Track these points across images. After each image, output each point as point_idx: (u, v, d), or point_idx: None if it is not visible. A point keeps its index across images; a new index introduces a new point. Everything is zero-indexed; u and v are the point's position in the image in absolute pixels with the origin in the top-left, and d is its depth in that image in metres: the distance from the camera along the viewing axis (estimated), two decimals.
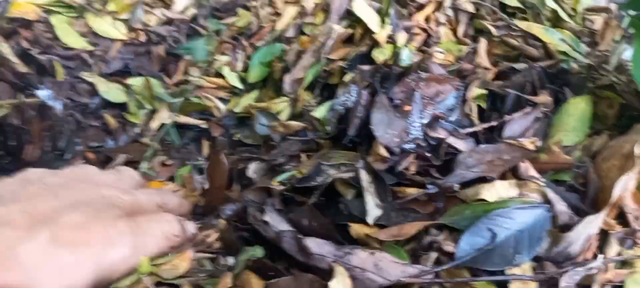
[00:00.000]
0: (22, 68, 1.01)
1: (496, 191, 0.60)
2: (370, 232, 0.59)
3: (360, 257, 0.54)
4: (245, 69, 1.10)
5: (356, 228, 0.60)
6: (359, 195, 0.63)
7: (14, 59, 1.01)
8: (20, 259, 0.43)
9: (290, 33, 1.10)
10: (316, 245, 0.55)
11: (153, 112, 1.02)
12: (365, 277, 0.53)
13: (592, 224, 0.57)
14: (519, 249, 0.56)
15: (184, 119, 1.02)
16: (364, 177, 0.63)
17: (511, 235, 0.57)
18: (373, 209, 0.61)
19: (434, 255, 0.57)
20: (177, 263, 0.56)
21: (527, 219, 0.58)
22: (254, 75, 1.08)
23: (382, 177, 0.63)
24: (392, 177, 0.66)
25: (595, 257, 0.56)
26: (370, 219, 0.60)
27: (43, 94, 0.97)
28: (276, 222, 0.60)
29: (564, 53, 0.82)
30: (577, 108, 0.69)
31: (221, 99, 1.06)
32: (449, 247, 0.57)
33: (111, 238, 0.50)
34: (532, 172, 0.62)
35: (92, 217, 0.50)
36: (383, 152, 0.67)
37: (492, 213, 0.58)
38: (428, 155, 0.66)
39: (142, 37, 1.16)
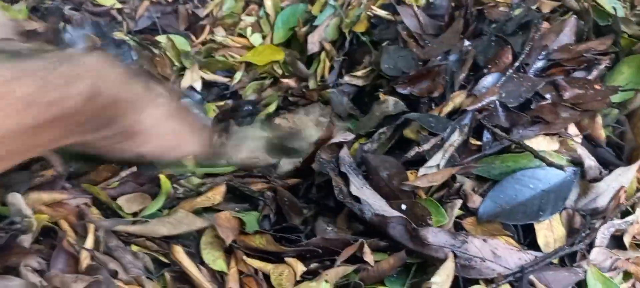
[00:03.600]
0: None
1: (538, 144, 0.60)
2: (412, 180, 0.60)
3: (476, 245, 0.53)
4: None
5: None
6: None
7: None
8: None
9: None
10: (433, 235, 0.54)
11: (181, 69, 1.04)
12: (484, 266, 0.53)
13: (621, 177, 0.58)
14: (544, 207, 0.57)
15: (210, 77, 1.03)
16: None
17: (536, 194, 0.58)
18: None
19: (458, 202, 0.58)
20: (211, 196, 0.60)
21: (553, 180, 0.58)
22: (278, 37, 1.09)
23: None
24: None
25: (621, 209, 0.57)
26: (427, 166, 0.61)
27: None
28: (361, 191, 0.57)
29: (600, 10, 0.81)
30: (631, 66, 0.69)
31: None
32: (473, 201, 0.58)
33: None
34: (571, 129, 0.63)
35: None
36: None
37: (519, 173, 0.58)
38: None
39: None
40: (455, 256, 0.53)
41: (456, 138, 0.61)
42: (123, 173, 0.64)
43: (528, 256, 0.54)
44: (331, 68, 0.96)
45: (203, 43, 1.12)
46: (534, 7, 0.75)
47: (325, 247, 0.55)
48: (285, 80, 1.00)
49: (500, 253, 0.53)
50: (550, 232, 0.56)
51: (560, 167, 0.57)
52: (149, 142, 0.61)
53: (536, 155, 0.58)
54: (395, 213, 0.55)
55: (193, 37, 1.12)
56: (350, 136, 0.65)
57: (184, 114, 0.70)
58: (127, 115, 0.58)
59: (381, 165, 0.60)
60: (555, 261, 0.55)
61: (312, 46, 1.00)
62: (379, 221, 0.55)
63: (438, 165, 0.60)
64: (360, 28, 0.93)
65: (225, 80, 1.05)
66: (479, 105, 0.63)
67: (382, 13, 0.91)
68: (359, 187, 0.58)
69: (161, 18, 1.14)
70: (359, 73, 0.87)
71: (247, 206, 0.64)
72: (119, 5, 1.13)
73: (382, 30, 0.89)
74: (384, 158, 0.61)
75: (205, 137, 0.71)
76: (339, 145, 0.62)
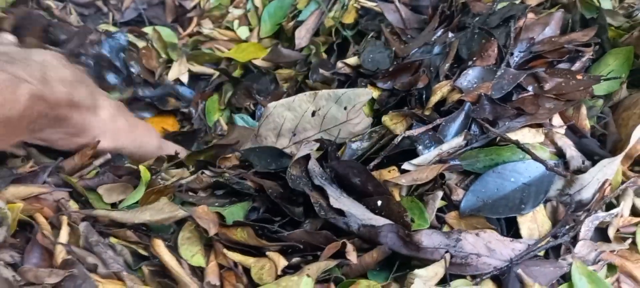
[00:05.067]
0: None
1: (523, 136, 0.60)
2: (390, 178, 0.59)
3: (470, 241, 0.53)
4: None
5: (382, 174, 0.60)
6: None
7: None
8: None
9: None
10: (427, 238, 0.53)
11: (168, 61, 1.03)
12: (480, 262, 0.52)
13: (606, 169, 0.57)
14: (525, 200, 0.56)
15: (198, 68, 1.03)
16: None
17: (518, 188, 0.57)
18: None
19: (439, 194, 0.57)
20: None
21: (534, 173, 0.58)
22: (265, 30, 1.08)
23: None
24: None
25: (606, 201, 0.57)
26: (414, 162, 0.59)
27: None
28: (341, 201, 0.56)
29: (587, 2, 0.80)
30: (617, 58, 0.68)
31: None
32: (457, 194, 0.58)
33: None
34: (555, 120, 0.62)
35: None
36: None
37: (499, 167, 0.58)
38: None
39: None
40: (451, 256, 0.52)
41: (459, 141, 0.60)
42: (96, 162, 0.63)
43: (521, 246, 0.53)
44: None
45: (190, 35, 1.11)
46: (518, 1, 0.74)
47: (307, 242, 0.54)
48: None
49: (494, 246, 0.53)
50: (534, 223, 0.56)
51: (543, 162, 0.56)
52: (104, 137, 0.67)
53: (522, 148, 0.57)
54: (384, 221, 0.54)
55: (180, 29, 1.12)
56: (315, 146, 0.63)
57: (131, 116, 0.77)
58: (74, 115, 0.63)
59: (349, 172, 0.58)
60: (541, 254, 0.54)
61: (300, 41, 0.99)
62: (368, 232, 0.53)
63: (429, 162, 0.59)
64: (348, 19, 0.93)
65: (211, 71, 1.04)
66: (470, 99, 0.62)
67: (369, 4, 0.90)
68: (337, 197, 0.56)
69: (148, 9, 1.13)
70: (350, 61, 0.85)
71: (233, 199, 0.62)
72: None
73: (367, 20, 0.88)
74: (349, 164, 0.60)
75: (158, 138, 0.77)
76: (307, 158, 0.60)
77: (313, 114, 0.70)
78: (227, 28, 1.11)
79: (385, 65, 0.75)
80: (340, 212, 0.55)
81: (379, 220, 0.54)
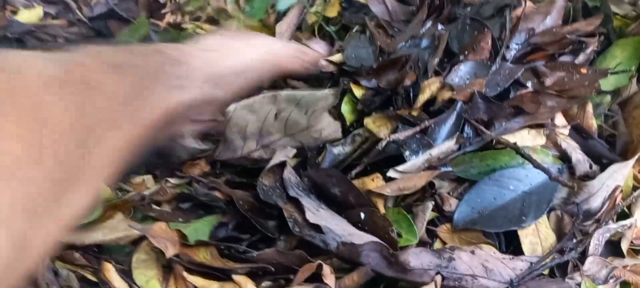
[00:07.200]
0: None
1: (522, 139, 0.53)
2: (374, 187, 0.53)
3: (464, 260, 0.47)
4: None
5: (365, 183, 0.54)
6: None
7: None
8: None
9: None
10: (415, 258, 0.47)
11: None
12: (477, 284, 0.46)
13: (617, 174, 0.51)
14: (526, 211, 0.50)
15: None
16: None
17: (517, 197, 0.51)
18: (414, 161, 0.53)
19: (430, 205, 0.51)
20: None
21: (535, 180, 0.52)
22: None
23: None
24: None
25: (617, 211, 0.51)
26: (399, 168, 0.53)
27: None
28: (319, 215, 0.50)
29: None
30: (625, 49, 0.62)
31: None
32: (450, 204, 0.52)
33: None
34: (558, 120, 0.56)
35: None
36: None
37: (497, 173, 0.52)
38: None
39: None
40: (443, 278, 0.46)
41: (451, 145, 0.53)
42: None
43: (522, 264, 0.47)
44: None
45: (165, 29, 1.04)
46: None
47: (279, 263, 0.48)
48: None
49: (492, 265, 0.47)
50: (537, 238, 0.50)
51: (546, 170, 0.50)
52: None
53: (521, 153, 0.51)
54: (367, 238, 0.48)
55: (158, 22, 1.05)
56: (291, 152, 0.57)
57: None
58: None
59: (328, 181, 0.52)
60: (545, 273, 0.48)
61: (281, 36, 0.93)
62: (348, 251, 0.47)
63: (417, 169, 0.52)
64: (332, 13, 0.87)
65: None
66: (462, 97, 0.55)
67: None
68: (315, 211, 0.50)
69: (119, 4, 1.06)
70: (334, 58, 0.79)
71: (201, 212, 0.56)
72: None
73: (351, 13, 0.82)
74: (328, 173, 0.54)
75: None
76: (281, 166, 0.54)
77: (276, 117, 0.63)
78: (211, 21, 1.05)
79: (370, 61, 0.69)
80: (318, 228, 0.48)
81: (361, 237, 0.48)
